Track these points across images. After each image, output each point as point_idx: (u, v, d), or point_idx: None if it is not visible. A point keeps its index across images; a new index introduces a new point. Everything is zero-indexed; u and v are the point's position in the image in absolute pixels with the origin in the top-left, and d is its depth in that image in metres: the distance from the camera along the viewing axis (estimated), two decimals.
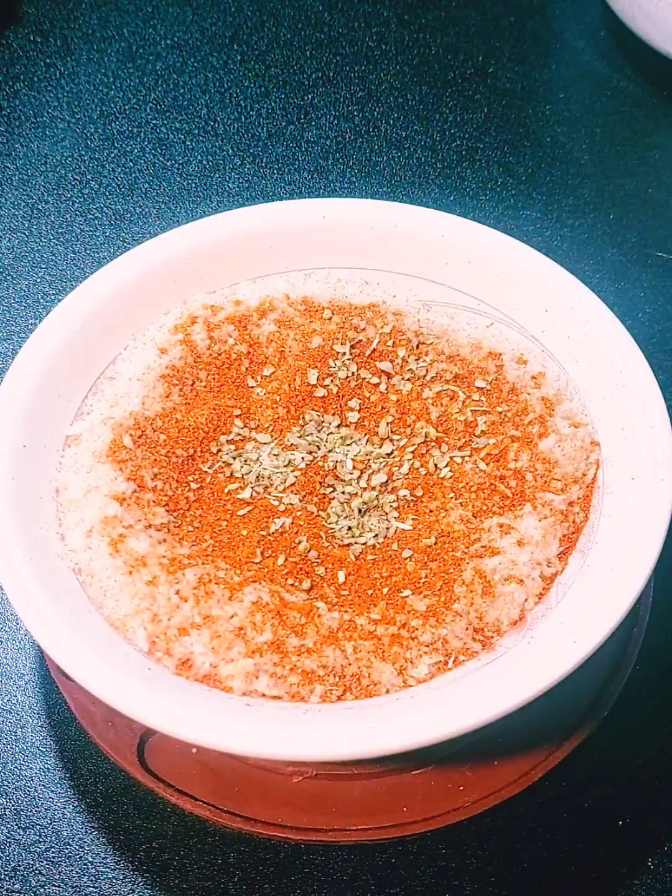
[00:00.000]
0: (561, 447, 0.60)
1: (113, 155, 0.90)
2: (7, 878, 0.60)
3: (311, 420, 0.63)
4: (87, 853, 0.60)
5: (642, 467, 0.57)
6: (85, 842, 0.61)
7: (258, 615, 0.55)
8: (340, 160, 0.90)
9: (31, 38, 0.98)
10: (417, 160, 0.90)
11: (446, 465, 0.61)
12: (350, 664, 0.54)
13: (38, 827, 0.61)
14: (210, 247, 0.66)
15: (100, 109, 0.93)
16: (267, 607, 0.55)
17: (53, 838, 0.61)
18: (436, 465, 0.61)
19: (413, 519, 0.60)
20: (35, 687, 0.65)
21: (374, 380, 0.64)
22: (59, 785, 0.62)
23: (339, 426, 0.63)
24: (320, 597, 0.57)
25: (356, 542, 0.59)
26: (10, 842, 0.61)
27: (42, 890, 0.59)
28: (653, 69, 0.94)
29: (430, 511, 0.60)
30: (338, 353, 0.64)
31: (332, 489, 0.61)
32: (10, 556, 0.54)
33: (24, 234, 0.86)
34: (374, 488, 0.61)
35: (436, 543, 0.59)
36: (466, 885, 0.59)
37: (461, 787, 0.60)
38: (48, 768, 0.63)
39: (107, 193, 0.88)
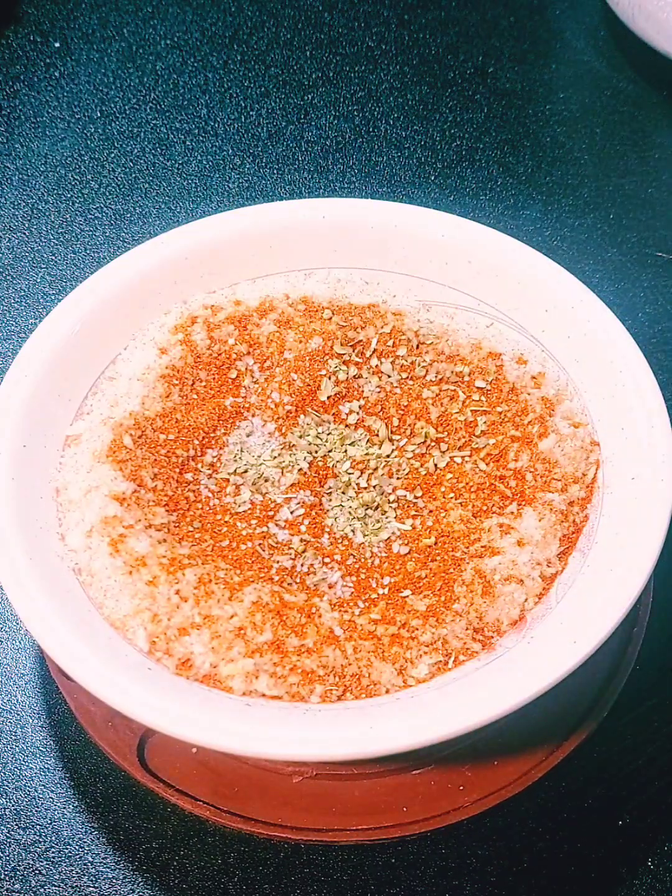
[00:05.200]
0: (561, 447, 0.60)
1: (113, 155, 0.90)
2: (7, 878, 0.60)
3: (311, 420, 0.63)
4: (87, 853, 0.60)
5: (642, 467, 0.57)
6: (85, 842, 0.61)
7: (258, 615, 0.55)
8: (340, 160, 0.90)
9: (31, 38, 0.98)
10: (417, 160, 0.90)
11: (446, 466, 0.61)
12: (350, 664, 0.54)
13: (38, 827, 0.61)
14: (210, 247, 0.66)
15: (100, 109, 0.93)
16: (267, 607, 0.55)
17: (53, 838, 0.61)
18: (436, 466, 0.61)
19: (413, 519, 0.60)
20: (35, 687, 0.65)
21: (375, 380, 0.64)
22: (59, 785, 0.62)
23: (338, 426, 0.63)
24: (320, 597, 0.57)
25: (356, 542, 0.59)
26: (10, 842, 0.61)
27: (42, 890, 0.59)
28: (653, 69, 0.94)
29: (430, 511, 0.60)
30: (338, 353, 0.64)
31: (332, 489, 0.61)
32: (10, 556, 0.54)
33: (24, 234, 0.86)
34: (373, 488, 0.61)
35: (436, 543, 0.59)
36: (466, 885, 0.59)
37: (461, 787, 0.60)
38: (48, 768, 0.63)
39: (107, 193, 0.88)
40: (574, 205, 0.87)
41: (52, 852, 0.61)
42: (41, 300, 0.82)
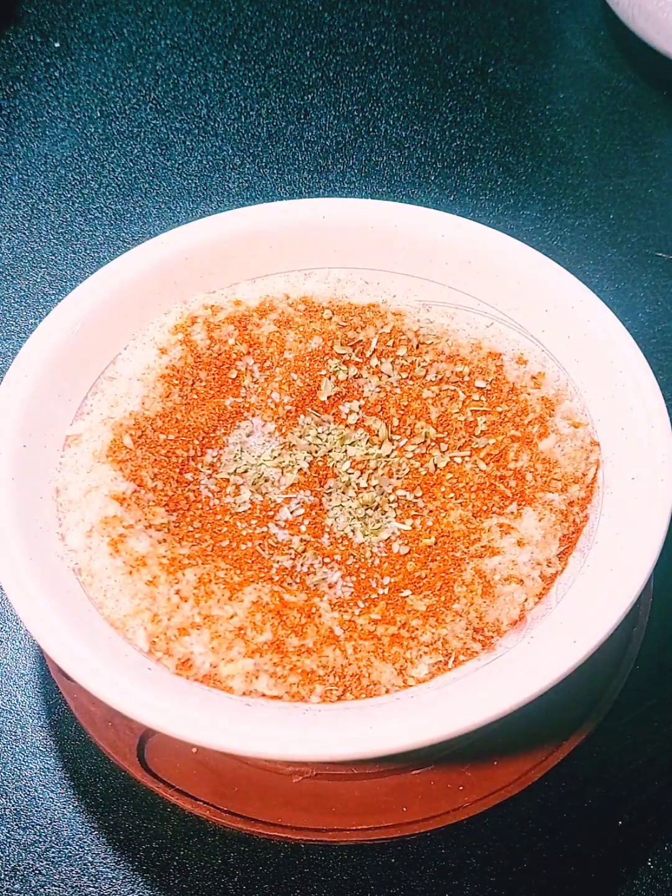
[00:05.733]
0: (561, 447, 0.60)
1: (113, 155, 0.90)
2: (7, 878, 0.60)
3: (311, 420, 0.63)
4: (87, 853, 0.60)
5: (642, 467, 0.57)
6: (85, 842, 0.61)
7: (258, 615, 0.55)
8: (340, 160, 0.90)
9: (31, 38, 0.98)
10: (417, 160, 0.90)
11: (446, 466, 0.61)
12: (350, 664, 0.54)
13: (38, 827, 0.61)
14: (210, 247, 0.66)
15: (100, 109, 0.93)
16: (267, 607, 0.55)
17: (53, 838, 0.61)
18: (436, 465, 0.61)
19: (413, 519, 0.60)
20: (35, 687, 0.65)
21: (375, 380, 0.64)
22: (59, 785, 0.62)
23: (338, 426, 0.63)
24: (320, 597, 0.57)
25: (356, 542, 0.59)
26: (10, 842, 0.61)
27: (42, 890, 0.59)
28: (653, 69, 0.94)
29: (430, 511, 0.60)
30: (338, 353, 0.64)
31: (332, 489, 0.61)
32: (10, 556, 0.54)
33: (24, 234, 0.86)
34: (373, 488, 0.61)
35: (436, 543, 0.59)
36: (466, 885, 0.59)
37: (461, 787, 0.60)
38: (48, 768, 0.63)
39: (107, 193, 0.88)
40: (574, 205, 0.87)
41: (52, 852, 0.61)
42: (41, 300, 0.82)
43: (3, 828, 0.61)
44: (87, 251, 0.85)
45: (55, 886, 0.60)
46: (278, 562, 0.58)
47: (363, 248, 0.67)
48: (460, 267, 0.66)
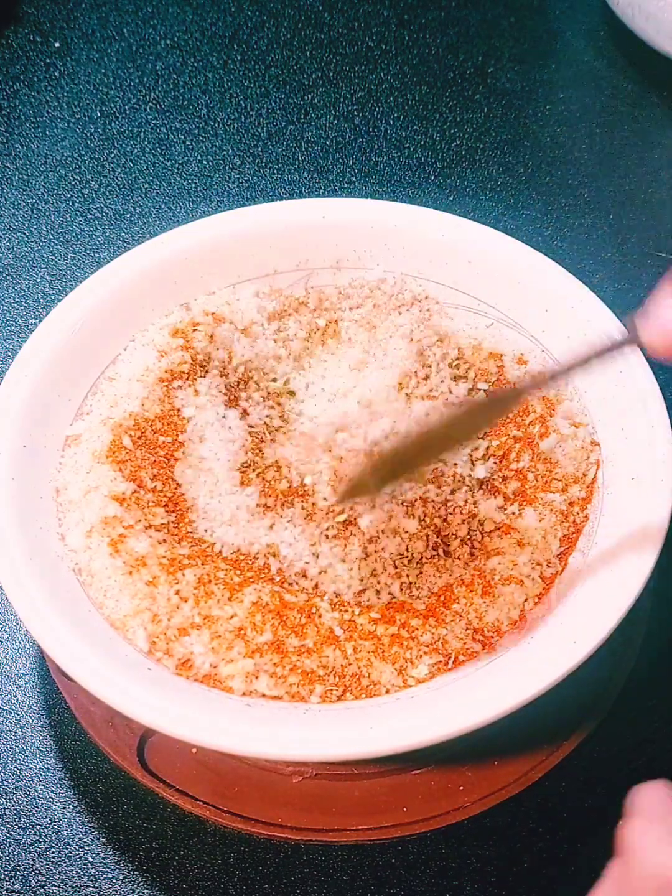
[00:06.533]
0: (561, 447, 0.60)
1: (113, 155, 0.90)
2: (7, 878, 0.60)
3: None
4: (87, 853, 0.60)
5: (642, 467, 0.57)
6: (85, 842, 0.61)
7: (258, 615, 0.55)
8: (340, 160, 0.90)
9: (31, 38, 0.98)
10: (417, 160, 0.90)
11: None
12: (350, 664, 0.54)
13: (38, 827, 0.61)
14: (210, 247, 0.66)
15: (100, 109, 0.93)
16: (267, 607, 0.55)
17: (53, 838, 0.61)
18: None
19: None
20: (35, 687, 0.65)
21: None
22: (59, 785, 0.62)
23: None
24: (320, 596, 0.57)
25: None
26: (10, 842, 0.61)
27: (42, 890, 0.59)
28: (653, 69, 0.94)
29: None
30: None
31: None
32: (10, 556, 0.54)
33: (24, 234, 0.86)
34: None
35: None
36: (466, 885, 0.59)
37: (461, 787, 0.60)
38: (48, 768, 0.63)
39: (107, 193, 0.88)
40: (574, 205, 0.87)
41: (52, 852, 0.60)
42: (41, 300, 0.82)
43: (3, 828, 0.61)
44: (87, 251, 0.85)
45: (55, 886, 0.60)
46: (278, 561, 0.58)
47: (363, 248, 0.67)
48: (460, 267, 0.66)
